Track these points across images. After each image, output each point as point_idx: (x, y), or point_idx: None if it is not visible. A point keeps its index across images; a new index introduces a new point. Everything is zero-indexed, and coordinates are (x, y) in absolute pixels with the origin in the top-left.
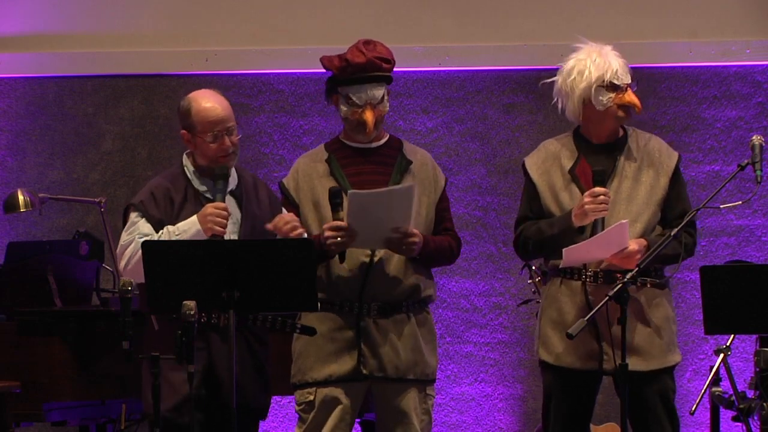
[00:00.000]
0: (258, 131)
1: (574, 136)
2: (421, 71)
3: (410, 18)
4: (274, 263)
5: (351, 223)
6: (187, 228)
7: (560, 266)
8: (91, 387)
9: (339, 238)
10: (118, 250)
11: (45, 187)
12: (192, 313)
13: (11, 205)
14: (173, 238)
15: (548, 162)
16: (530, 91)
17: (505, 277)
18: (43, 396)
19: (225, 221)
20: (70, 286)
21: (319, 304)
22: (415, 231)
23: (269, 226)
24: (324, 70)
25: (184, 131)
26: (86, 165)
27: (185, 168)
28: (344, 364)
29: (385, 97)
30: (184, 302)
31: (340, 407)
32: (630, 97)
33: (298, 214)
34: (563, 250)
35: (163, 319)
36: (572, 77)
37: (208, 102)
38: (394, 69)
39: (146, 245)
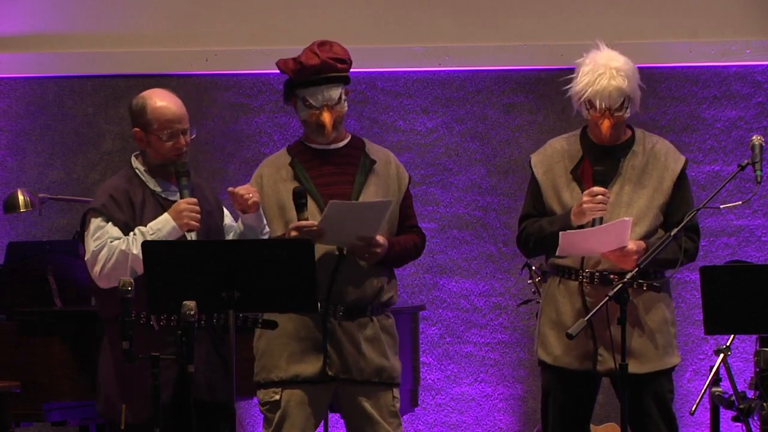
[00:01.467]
0: (258, 131)
1: (581, 136)
2: (421, 71)
3: (410, 18)
4: (273, 263)
5: (322, 227)
6: (161, 226)
7: (557, 253)
8: (91, 387)
9: (307, 230)
10: (88, 257)
11: (45, 187)
12: (192, 313)
13: (11, 205)
14: (148, 238)
15: (553, 160)
16: (530, 91)
17: (505, 277)
18: (43, 396)
19: (199, 215)
20: (70, 286)
21: (319, 305)
22: (380, 239)
23: (231, 189)
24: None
25: (137, 129)
26: (86, 165)
27: (137, 170)
28: (310, 365)
29: (343, 98)
30: (184, 302)
31: (306, 408)
32: (603, 124)
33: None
34: (560, 233)
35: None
36: (574, 77)
37: (163, 101)
38: (394, 70)
39: (146, 245)
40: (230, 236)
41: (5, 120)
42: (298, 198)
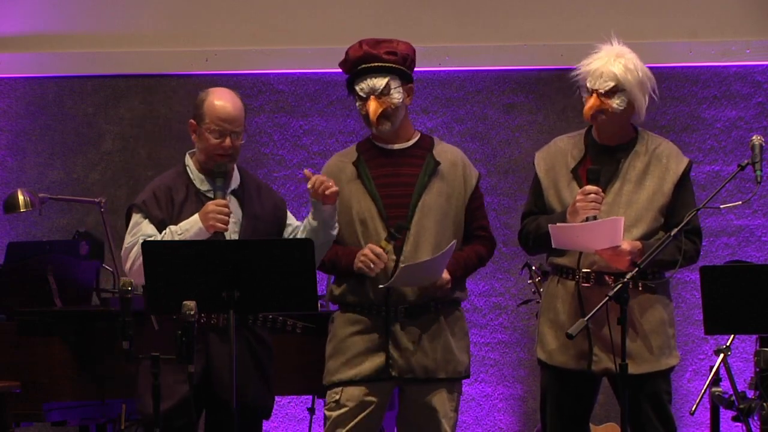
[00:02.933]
0: (258, 131)
1: (585, 135)
2: (421, 71)
3: (410, 18)
4: (274, 263)
5: (394, 282)
6: (189, 227)
7: (552, 245)
8: (91, 387)
9: (371, 269)
10: (123, 252)
11: (45, 187)
12: (192, 313)
13: (11, 205)
14: (176, 238)
15: (556, 158)
16: (530, 91)
17: (505, 277)
18: (43, 396)
19: (227, 218)
20: (70, 286)
21: (319, 305)
22: (446, 276)
23: (307, 171)
24: (325, 71)
25: (192, 120)
26: (86, 165)
27: (187, 167)
28: (371, 365)
29: (392, 88)
30: (184, 302)
31: (366, 406)
32: (587, 103)
33: None
34: (549, 225)
35: (164, 320)
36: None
37: (222, 99)
38: None
39: (146, 245)
40: (293, 235)
41: (5, 120)
42: (398, 230)
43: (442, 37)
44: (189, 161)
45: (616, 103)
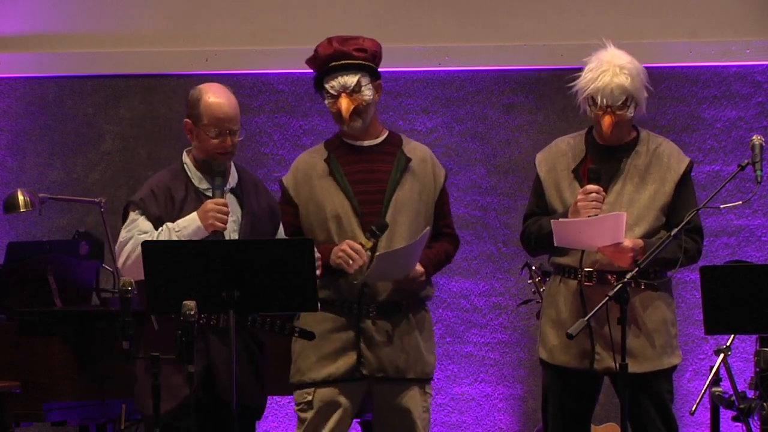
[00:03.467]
0: (258, 131)
1: (586, 135)
2: (421, 71)
3: (410, 18)
4: (274, 263)
5: (370, 274)
6: (188, 224)
7: (554, 243)
8: (91, 387)
9: (350, 265)
10: (116, 247)
11: (45, 187)
12: (192, 313)
13: (11, 205)
14: (173, 236)
15: (557, 159)
16: (530, 91)
17: (505, 277)
18: (43, 396)
19: (225, 217)
20: (70, 286)
21: (319, 305)
22: (419, 269)
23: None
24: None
25: (187, 120)
26: (86, 165)
27: (185, 165)
28: (343, 365)
29: (363, 85)
30: (184, 302)
31: (338, 408)
32: (604, 121)
33: (297, 213)
34: (552, 221)
35: (164, 320)
36: (580, 75)
37: (218, 97)
38: (395, 70)
39: (146, 245)
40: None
41: (5, 120)
42: (381, 230)
43: (442, 37)
44: (187, 159)
45: (629, 112)
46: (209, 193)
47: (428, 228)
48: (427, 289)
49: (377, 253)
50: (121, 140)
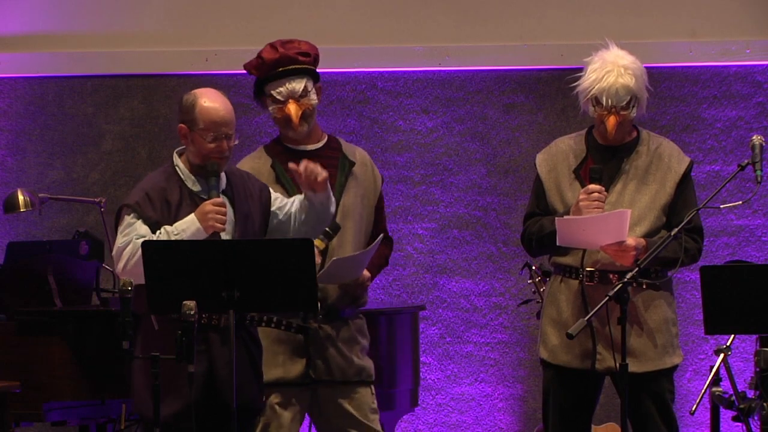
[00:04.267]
0: (257, 131)
1: (586, 135)
2: (421, 71)
3: (410, 18)
4: (274, 263)
5: (322, 276)
6: (186, 227)
7: (557, 242)
8: (91, 387)
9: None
10: (114, 252)
11: (45, 187)
12: (192, 313)
13: (11, 205)
14: (172, 239)
15: (557, 159)
16: (530, 91)
17: (505, 277)
18: (43, 396)
19: (225, 217)
20: (70, 286)
21: (319, 305)
22: (368, 274)
23: (292, 165)
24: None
25: (182, 125)
26: (86, 165)
27: (177, 167)
28: (292, 369)
29: (310, 91)
30: (184, 302)
31: (289, 410)
32: (609, 121)
33: None
34: (556, 219)
35: (164, 320)
36: (583, 75)
37: (214, 102)
38: (394, 70)
39: (146, 245)
40: (286, 209)
41: (5, 120)
42: (334, 231)
43: (442, 37)
44: (178, 161)
45: (632, 113)
46: (204, 196)
47: (381, 236)
48: (364, 296)
49: (334, 258)
50: (121, 140)
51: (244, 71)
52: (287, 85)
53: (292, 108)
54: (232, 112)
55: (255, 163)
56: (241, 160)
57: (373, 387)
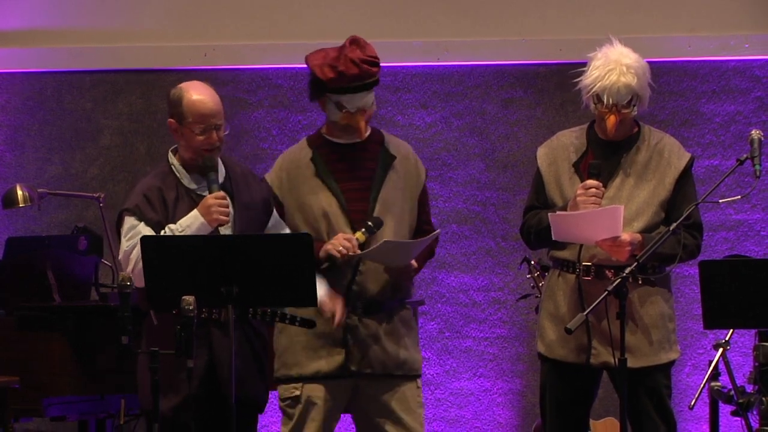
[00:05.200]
0: (256, 126)
1: (587, 130)
2: (419, 66)
3: (409, 12)
4: (273, 258)
5: (369, 252)
6: (190, 223)
7: (552, 237)
8: (91, 382)
9: (341, 252)
10: (121, 257)
11: (44, 183)
12: (191, 308)
13: (10, 201)
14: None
15: (558, 153)
16: (529, 85)
17: (504, 272)
18: (42, 391)
19: (228, 209)
20: (69, 282)
21: (318, 300)
22: (415, 264)
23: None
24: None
25: (171, 120)
26: (85, 160)
27: (173, 166)
28: (331, 361)
29: (373, 99)
30: (183, 297)
31: (326, 404)
32: (609, 119)
33: (282, 212)
34: (549, 215)
35: (166, 315)
36: (585, 71)
37: (200, 94)
38: (393, 65)
39: (145, 240)
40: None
41: (4, 115)
42: (376, 226)
43: (440, 31)
44: (173, 160)
45: (634, 111)
46: (201, 192)
47: (438, 231)
48: (409, 288)
49: (385, 239)
50: (119, 135)
51: (243, 66)
52: (362, 99)
53: (362, 121)
54: (219, 102)
55: (295, 155)
56: (283, 152)
57: (419, 381)
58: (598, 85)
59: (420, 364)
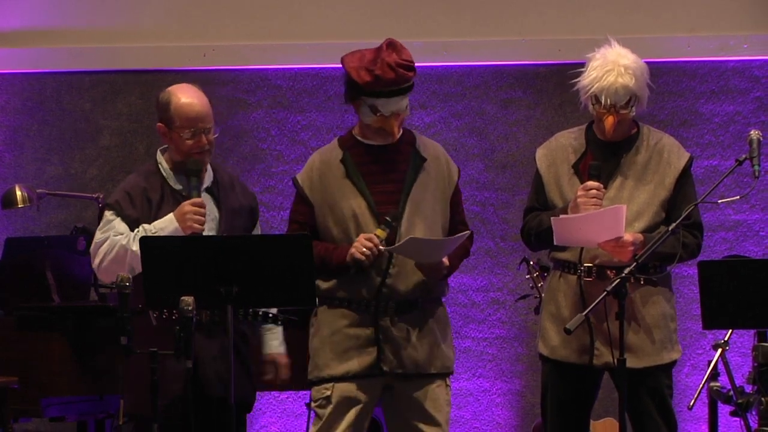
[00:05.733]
0: (256, 126)
1: (586, 130)
2: (419, 66)
3: (408, 12)
4: (272, 258)
5: (398, 248)
6: (164, 226)
7: (555, 242)
8: (90, 382)
9: (366, 255)
10: (92, 248)
11: (43, 183)
12: (190, 308)
13: (9, 201)
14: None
15: (557, 154)
16: (528, 86)
17: (503, 272)
18: (41, 391)
19: (203, 218)
20: (68, 282)
21: (317, 300)
22: (446, 262)
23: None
24: (323, 66)
25: (160, 124)
26: (84, 160)
27: (160, 166)
28: (363, 361)
29: (408, 103)
30: (182, 298)
31: (357, 404)
32: (607, 120)
33: (311, 213)
34: (552, 219)
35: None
36: (583, 71)
37: (188, 98)
38: None
39: (145, 241)
40: None
41: (3, 115)
42: (394, 219)
43: (440, 31)
44: (161, 159)
45: (632, 112)
46: (186, 194)
47: (468, 232)
48: (442, 286)
49: (410, 236)
50: (119, 136)
51: (242, 66)
52: (397, 103)
53: (395, 124)
54: (207, 105)
55: (325, 156)
56: (314, 152)
57: (448, 379)
58: (596, 86)
59: (452, 361)
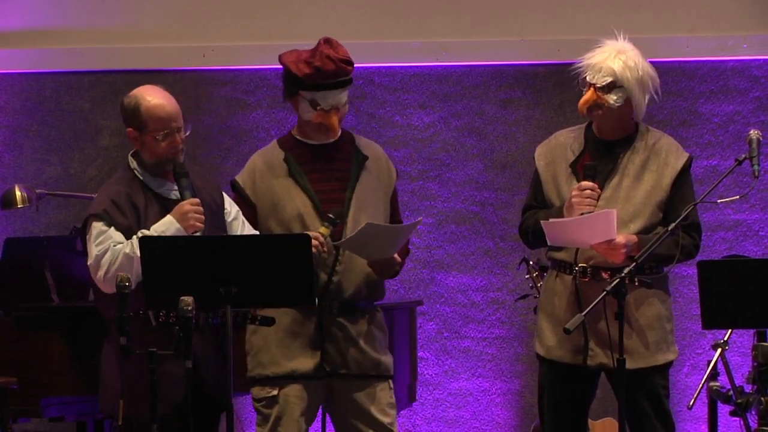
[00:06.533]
0: (255, 127)
1: (585, 130)
2: (418, 66)
3: (407, 13)
4: (271, 258)
5: (347, 243)
6: (166, 228)
7: (548, 242)
8: (89, 382)
9: (317, 249)
10: (92, 262)
11: (42, 183)
12: (190, 308)
13: (8, 201)
14: None
15: (555, 153)
16: (527, 86)
17: (502, 272)
18: (40, 391)
19: (203, 216)
20: (67, 282)
21: (317, 300)
22: (398, 258)
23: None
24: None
25: (130, 129)
26: (83, 161)
27: (136, 171)
28: (307, 361)
29: (347, 98)
30: (182, 298)
31: (302, 404)
32: (583, 96)
33: (254, 214)
34: (542, 222)
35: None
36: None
37: (158, 99)
38: (392, 65)
39: (144, 241)
40: (236, 221)
41: (2, 116)
42: (337, 217)
43: (439, 32)
44: (134, 164)
45: (612, 99)
46: (167, 195)
47: (420, 219)
48: (381, 289)
49: (368, 222)
50: (118, 136)
51: (242, 66)
52: (336, 96)
53: (335, 119)
54: (176, 104)
55: (267, 157)
56: (254, 153)
57: (391, 382)
58: (584, 65)
59: (391, 365)
